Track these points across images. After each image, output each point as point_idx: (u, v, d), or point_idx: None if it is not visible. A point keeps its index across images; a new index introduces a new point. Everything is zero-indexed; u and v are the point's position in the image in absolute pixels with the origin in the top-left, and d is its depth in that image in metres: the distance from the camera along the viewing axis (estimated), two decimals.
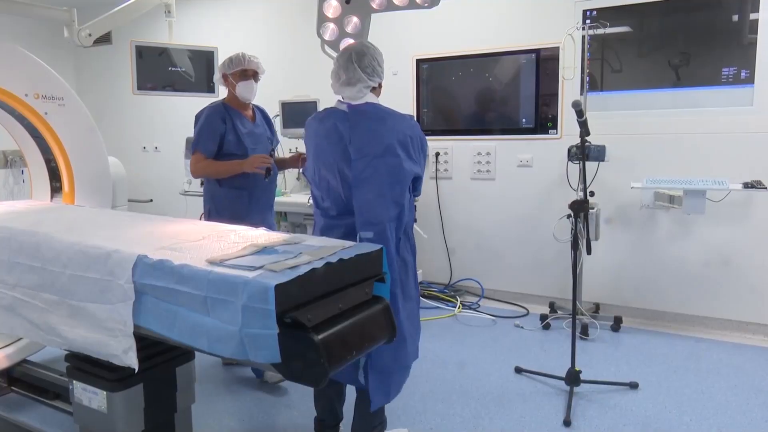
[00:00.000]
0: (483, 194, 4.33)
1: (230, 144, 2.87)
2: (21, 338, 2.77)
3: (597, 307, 3.94)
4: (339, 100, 2.21)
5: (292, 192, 4.42)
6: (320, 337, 1.46)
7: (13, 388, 2.86)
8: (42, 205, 2.86)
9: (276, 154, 3.18)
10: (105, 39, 4.15)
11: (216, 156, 2.86)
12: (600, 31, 3.65)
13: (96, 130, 3.04)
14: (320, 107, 4.15)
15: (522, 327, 3.80)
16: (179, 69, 3.51)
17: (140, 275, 1.61)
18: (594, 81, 3.86)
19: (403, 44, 4.38)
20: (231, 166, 2.82)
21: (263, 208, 2.99)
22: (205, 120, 2.87)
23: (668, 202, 3.46)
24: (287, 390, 2.89)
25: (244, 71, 2.88)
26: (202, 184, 3.19)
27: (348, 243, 1.80)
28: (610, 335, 3.63)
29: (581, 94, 3.74)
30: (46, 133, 2.86)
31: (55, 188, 3.05)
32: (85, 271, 1.73)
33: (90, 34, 3.03)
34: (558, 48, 3.88)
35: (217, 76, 2.99)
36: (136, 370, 1.69)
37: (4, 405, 2.71)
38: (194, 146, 2.88)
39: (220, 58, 3.11)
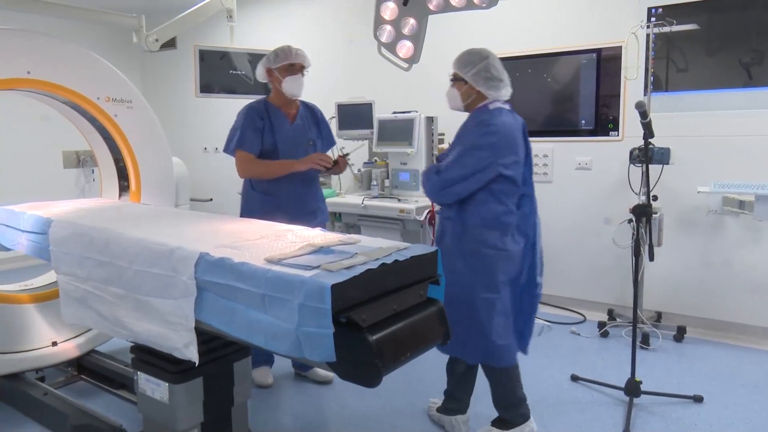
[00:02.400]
0: (540, 197, 4.13)
1: (264, 145, 2.72)
2: (90, 329, 2.91)
3: (659, 316, 3.79)
4: (498, 101, 2.30)
5: (347, 193, 4.47)
6: (375, 337, 1.46)
7: (82, 376, 3.02)
8: (111, 203, 3.00)
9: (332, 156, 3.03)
10: (170, 44, 4.31)
11: None
12: (666, 29, 3.51)
13: (161, 132, 3.16)
14: (375, 109, 4.19)
15: (579, 334, 3.70)
16: (239, 72, 3.61)
17: (202, 272, 1.66)
18: (658, 81, 3.72)
19: (460, 46, 4.32)
20: (284, 166, 2.69)
21: (297, 214, 2.65)
22: (245, 117, 2.74)
23: (738, 208, 3.29)
24: (340, 389, 2.92)
25: (291, 65, 2.70)
26: None
27: (403, 244, 1.80)
28: (672, 345, 3.48)
29: (645, 95, 3.62)
30: (115, 134, 2.99)
31: (123, 187, 3.19)
32: (150, 267, 1.79)
33: (157, 40, 3.14)
34: (620, 47, 3.77)
35: (260, 71, 2.79)
36: (197, 364, 1.75)
37: (74, 392, 2.86)
38: (237, 144, 2.72)
39: None
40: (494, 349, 2.28)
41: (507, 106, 2.31)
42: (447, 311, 2.22)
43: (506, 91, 2.31)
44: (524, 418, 2.40)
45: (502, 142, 2.21)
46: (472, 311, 2.25)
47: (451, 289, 2.24)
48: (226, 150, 2.80)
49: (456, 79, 2.33)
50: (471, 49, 2.34)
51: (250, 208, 2.81)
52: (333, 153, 3.09)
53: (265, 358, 2.98)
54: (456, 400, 2.51)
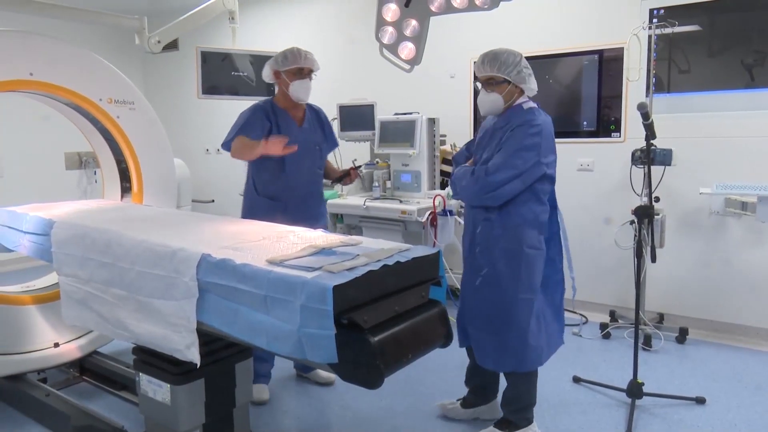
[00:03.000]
0: None
1: None
2: (92, 331, 2.92)
3: (661, 318, 3.79)
4: (529, 100, 2.32)
5: (348, 194, 4.47)
6: (376, 338, 1.47)
7: (84, 377, 3.02)
8: (113, 204, 3.00)
9: (335, 160, 3.02)
10: (172, 45, 4.32)
11: (254, 160, 2.66)
12: (667, 30, 3.51)
13: (163, 133, 3.16)
14: (377, 110, 4.20)
15: (581, 335, 3.70)
16: (241, 73, 3.61)
17: (204, 273, 1.66)
18: (660, 82, 3.72)
19: (460, 46, 4.35)
20: (253, 148, 2.55)
21: (300, 219, 2.55)
22: (251, 113, 2.69)
23: (740, 209, 3.29)
24: (342, 390, 2.92)
25: (300, 69, 2.64)
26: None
27: (405, 246, 1.80)
28: (674, 347, 3.48)
29: (647, 96, 3.61)
30: (117, 135, 3.00)
31: (125, 188, 3.19)
32: (151, 268, 1.80)
33: (159, 41, 3.14)
34: (622, 48, 3.76)
35: (266, 73, 2.71)
36: (198, 365, 1.75)
37: (76, 393, 2.85)
38: (238, 132, 2.64)
39: None
40: (529, 351, 2.26)
41: (536, 105, 2.32)
42: (479, 318, 2.27)
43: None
44: (528, 421, 2.40)
45: (545, 141, 2.24)
46: (511, 313, 2.23)
47: (487, 292, 2.26)
48: (225, 143, 2.69)
49: (497, 83, 2.26)
50: (500, 49, 2.28)
51: (256, 212, 2.71)
52: (335, 156, 3.07)
53: (263, 373, 2.83)
54: (486, 389, 2.53)
